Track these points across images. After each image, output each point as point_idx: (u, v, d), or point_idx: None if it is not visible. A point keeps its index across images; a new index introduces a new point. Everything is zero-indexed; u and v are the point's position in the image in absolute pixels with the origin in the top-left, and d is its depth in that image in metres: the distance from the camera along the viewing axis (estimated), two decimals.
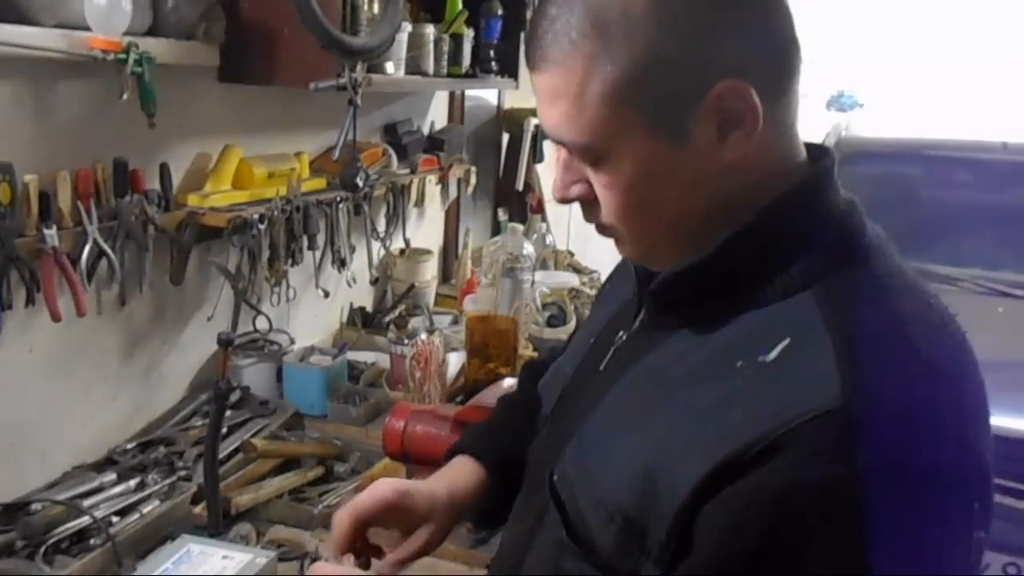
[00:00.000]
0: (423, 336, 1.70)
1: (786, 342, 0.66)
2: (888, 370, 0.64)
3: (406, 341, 1.77)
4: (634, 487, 0.68)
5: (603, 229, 0.76)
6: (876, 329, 0.66)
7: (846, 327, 0.66)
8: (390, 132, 2.37)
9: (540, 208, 3.08)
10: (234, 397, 1.75)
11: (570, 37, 0.67)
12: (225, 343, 1.28)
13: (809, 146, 0.76)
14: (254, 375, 1.87)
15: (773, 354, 0.66)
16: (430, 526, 0.91)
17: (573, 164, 0.73)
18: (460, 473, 0.97)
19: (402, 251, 2.45)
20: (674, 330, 0.75)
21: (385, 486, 0.91)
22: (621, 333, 0.82)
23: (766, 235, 0.71)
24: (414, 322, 2.04)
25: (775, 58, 0.70)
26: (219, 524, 1.37)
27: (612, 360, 0.81)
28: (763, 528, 0.61)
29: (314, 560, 1.32)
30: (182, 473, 1.52)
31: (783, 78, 0.70)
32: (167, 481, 1.49)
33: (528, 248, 2.21)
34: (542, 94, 0.71)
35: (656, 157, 0.69)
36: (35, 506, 1.34)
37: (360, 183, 1.84)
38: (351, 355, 2.04)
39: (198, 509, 1.43)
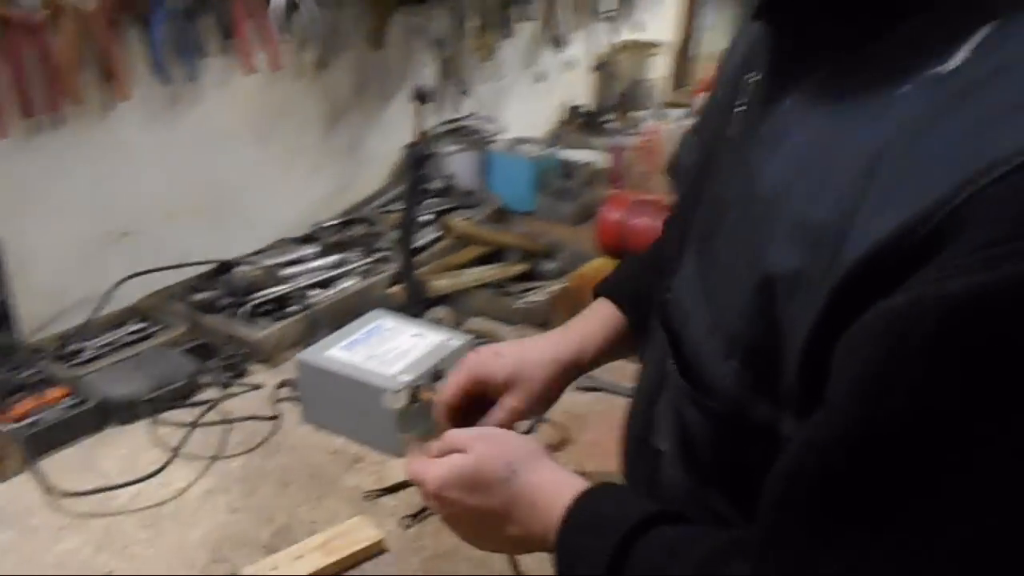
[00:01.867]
0: (650, 123, 1.47)
1: (977, 39, 0.41)
2: None
3: (630, 131, 1.54)
4: (755, 305, 0.48)
5: None
6: None
7: None
8: None
9: None
10: (435, 176, 1.65)
11: None
12: (421, 96, 1.13)
13: None
14: (459, 164, 1.75)
15: (954, 62, 0.41)
16: (514, 395, 0.76)
17: None
18: (591, 322, 0.82)
19: (630, 42, 2.18)
20: (806, 93, 0.50)
21: (469, 358, 0.78)
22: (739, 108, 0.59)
23: None
24: (641, 113, 1.80)
25: None
26: (416, 305, 1.29)
27: (736, 145, 0.58)
28: (923, 362, 0.37)
29: None
30: (381, 254, 1.45)
31: None
32: (366, 260, 1.42)
33: None
34: None
35: None
36: (240, 268, 1.32)
37: None
38: (566, 153, 1.86)
39: (395, 289, 1.36)
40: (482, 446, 0.64)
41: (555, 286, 1.44)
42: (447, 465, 0.64)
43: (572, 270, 1.50)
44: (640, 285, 0.80)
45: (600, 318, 0.82)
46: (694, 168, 0.68)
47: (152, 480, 0.95)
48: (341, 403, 1.03)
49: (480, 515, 0.62)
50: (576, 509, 0.58)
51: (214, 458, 1.00)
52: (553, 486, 0.60)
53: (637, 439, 0.67)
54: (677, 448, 0.59)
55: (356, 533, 0.87)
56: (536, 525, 0.60)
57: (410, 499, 0.93)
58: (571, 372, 0.79)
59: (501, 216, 1.69)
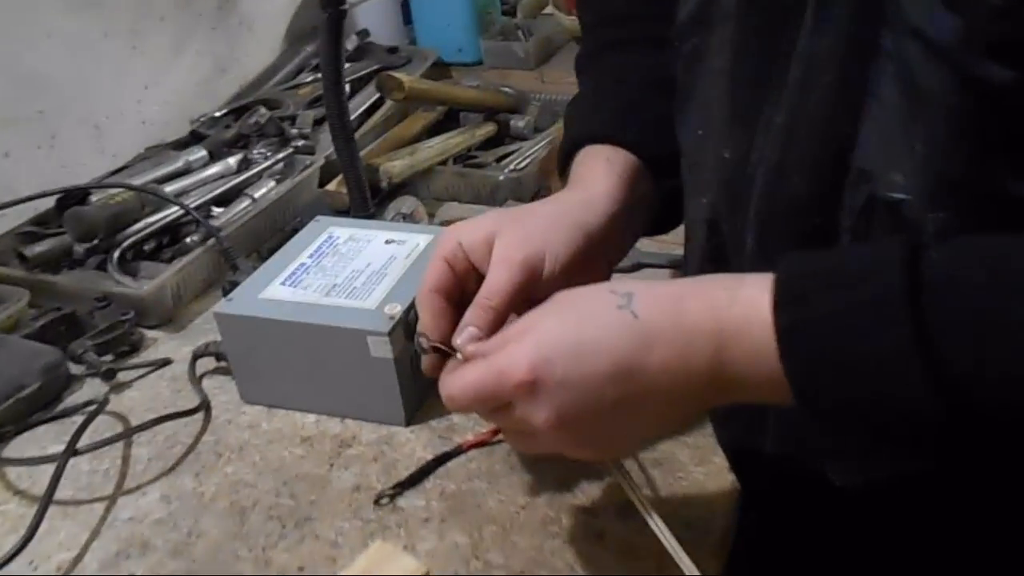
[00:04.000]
0: None
1: None
2: None
3: None
4: None
5: None
6: None
7: None
8: None
9: None
10: (350, 33, 1.23)
11: None
12: None
13: None
14: (373, 16, 1.33)
15: None
16: (501, 268, 0.50)
17: None
18: (601, 179, 0.57)
19: None
20: None
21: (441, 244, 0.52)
22: None
23: None
24: None
25: None
26: (367, 203, 0.90)
27: None
28: None
29: None
30: (300, 143, 1.04)
31: None
32: (281, 155, 1.01)
33: None
34: None
35: None
36: (95, 198, 0.89)
37: None
38: None
39: (333, 186, 0.96)
40: (550, 305, 0.44)
41: (537, 147, 1.07)
42: (530, 341, 0.42)
43: (550, 125, 1.13)
44: (645, 114, 0.59)
45: (614, 170, 0.56)
46: None
47: (14, 563, 0.57)
48: (300, 365, 0.66)
49: (605, 383, 0.41)
50: (796, 282, 0.38)
51: (111, 499, 0.62)
52: (702, 292, 0.42)
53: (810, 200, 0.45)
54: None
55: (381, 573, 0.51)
56: (701, 354, 0.40)
57: (450, 482, 0.58)
58: (601, 249, 0.53)
59: (441, 73, 1.29)
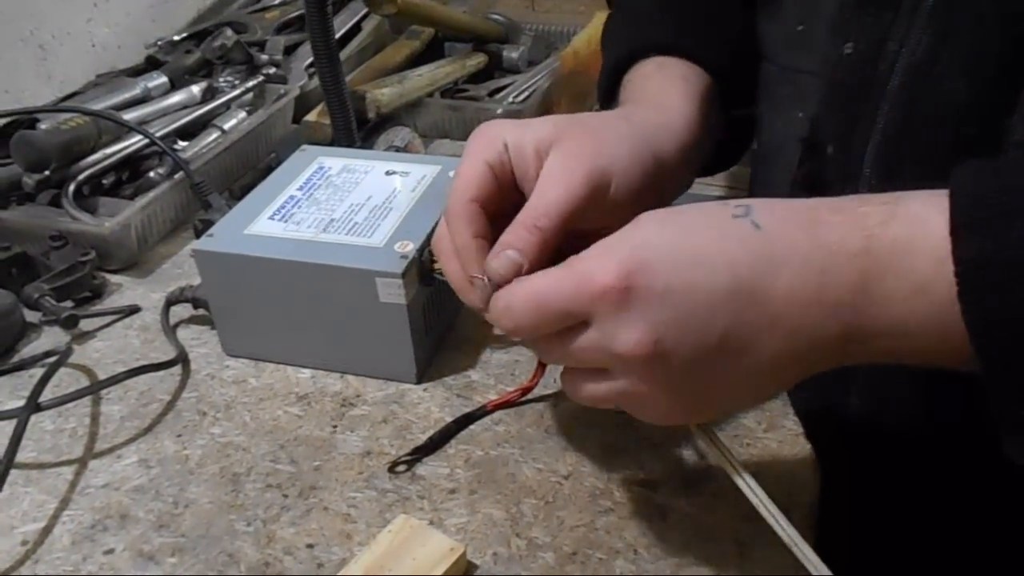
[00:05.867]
0: None
1: None
2: None
3: None
4: None
5: None
6: None
7: None
8: None
9: None
10: None
11: None
12: None
13: None
14: None
15: None
16: (558, 181, 0.40)
17: None
18: (670, 93, 0.48)
19: None
20: None
21: (475, 145, 0.43)
22: None
23: None
24: None
25: None
26: (353, 135, 0.81)
27: None
28: None
29: None
30: (271, 71, 0.94)
31: None
32: (251, 84, 0.91)
33: None
34: None
35: None
36: (45, 125, 0.79)
37: None
38: None
39: (313, 116, 0.87)
40: (640, 219, 0.35)
41: (536, 79, 0.99)
42: (623, 245, 0.34)
43: (547, 56, 1.05)
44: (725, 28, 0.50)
45: (692, 92, 0.47)
46: None
47: None
48: (294, 312, 0.58)
49: (718, 302, 0.32)
50: (988, 197, 0.30)
51: (82, 462, 0.53)
52: (845, 204, 0.33)
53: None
54: None
55: (407, 557, 0.44)
56: (842, 282, 0.31)
57: (476, 447, 0.51)
58: (669, 184, 0.45)
59: None
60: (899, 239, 0.31)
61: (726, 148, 0.53)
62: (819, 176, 0.45)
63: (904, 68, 0.38)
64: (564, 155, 0.40)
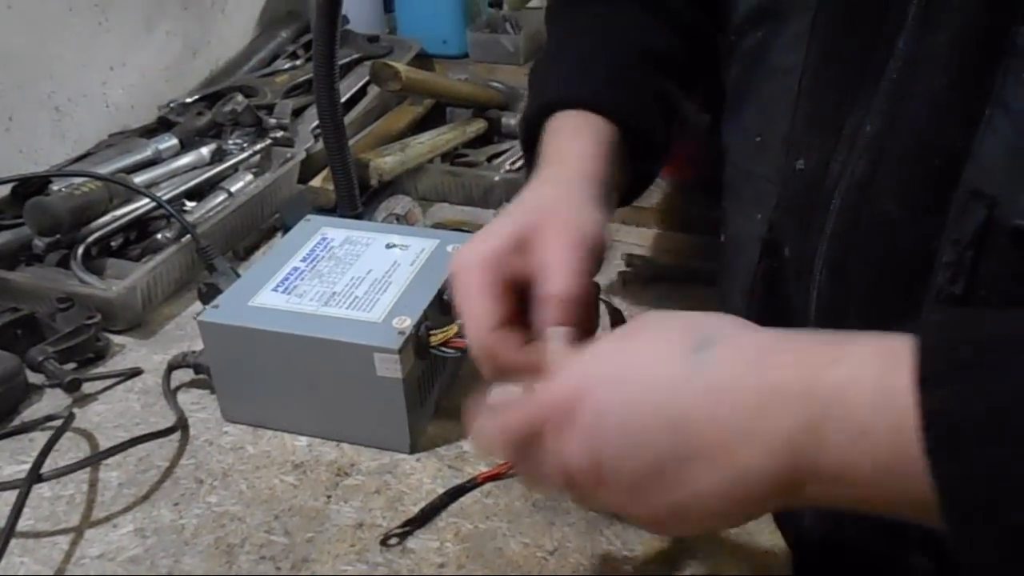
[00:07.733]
0: None
1: None
2: None
3: None
4: None
5: None
6: None
7: None
8: None
9: None
10: None
11: None
12: None
13: None
14: (353, 2, 1.25)
15: None
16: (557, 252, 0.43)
17: None
18: (580, 144, 0.52)
19: None
20: None
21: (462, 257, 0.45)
22: None
23: None
24: None
25: None
26: (356, 201, 0.83)
27: None
28: None
29: None
30: (278, 134, 0.97)
31: None
32: (259, 147, 0.94)
33: None
34: None
35: None
36: (57, 187, 0.81)
37: None
38: None
39: (318, 182, 0.90)
40: (616, 335, 0.37)
41: None
42: (578, 361, 0.37)
43: None
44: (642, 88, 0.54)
45: (604, 150, 0.50)
46: None
47: None
48: (293, 382, 0.59)
49: (653, 424, 0.33)
50: (955, 343, 0.29)
51: (78, 531, 0.54)
52: (796, 342, 0.33)
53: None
54: None
55: None
56: (778, 424, 0.31)
57: (465, 520, 0.52)
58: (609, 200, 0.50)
59: (424, 65, 1.22)
60: (845, 380, 0.30)
61: (627, 195, 0.58)
62: (778, 272, 0.47)
63: (846, 187, 0.41)
64: (555, 232, 0.43)
